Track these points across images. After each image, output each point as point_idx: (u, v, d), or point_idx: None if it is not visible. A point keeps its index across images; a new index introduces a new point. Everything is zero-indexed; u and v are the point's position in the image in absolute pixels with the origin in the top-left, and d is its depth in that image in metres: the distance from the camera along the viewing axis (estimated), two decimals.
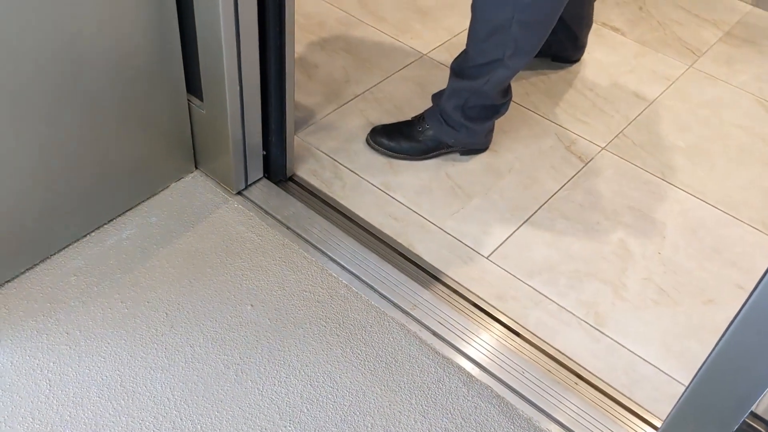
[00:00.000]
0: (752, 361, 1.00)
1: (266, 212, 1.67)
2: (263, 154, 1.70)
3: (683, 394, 1.12)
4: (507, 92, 1.78)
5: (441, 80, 2.09)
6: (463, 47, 1.70)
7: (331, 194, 1.75)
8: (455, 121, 1.77)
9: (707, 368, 1.07)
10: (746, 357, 1.00)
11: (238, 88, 1.49)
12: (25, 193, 1.40)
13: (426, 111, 1.84)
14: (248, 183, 1.71)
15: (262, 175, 1.74)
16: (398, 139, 1.84)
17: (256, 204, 1.68)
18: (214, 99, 1.52)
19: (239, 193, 1.70)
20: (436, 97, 1.81)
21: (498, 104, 1.77)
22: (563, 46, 2.11)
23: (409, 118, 1.88)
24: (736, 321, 0.99)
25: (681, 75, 2.23)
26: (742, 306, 0.97)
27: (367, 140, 1.87)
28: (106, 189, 1.55)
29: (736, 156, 1.98)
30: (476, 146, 1.87)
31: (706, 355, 1.52)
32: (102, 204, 1.57)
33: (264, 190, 1.72)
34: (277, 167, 1.73)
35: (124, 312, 1.45)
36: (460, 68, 1.71)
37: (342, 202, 1.74)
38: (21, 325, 1.41)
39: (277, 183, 1.75)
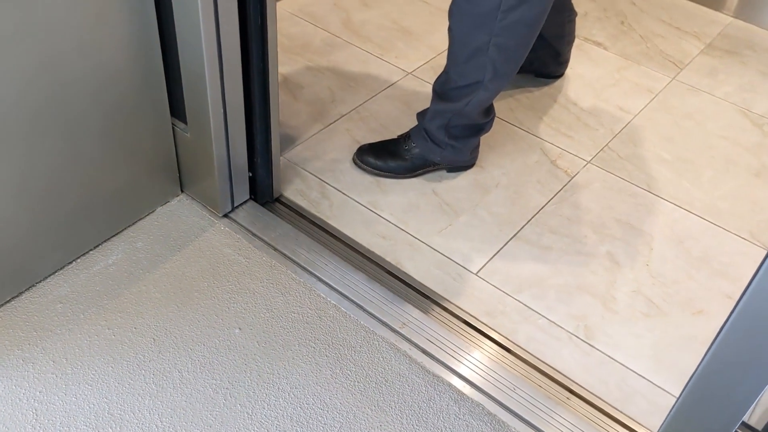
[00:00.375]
0: (742, 371, 1.00)
1: (253, 234, 1.66)
2: (249, 176, 1.69)
3: (674, 406, 1.12)
4: (489, 111, 1.79)
5: (426, 98, 2.10)
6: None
7: (318, 214, 1.75)
8: (440, 140, 1.78)
9: (697, 380, 1.07)
10: (736, 367, 1.00)
11: (222, 110, 1.49)
12: (8, 220, 1.39)
13: (411, 129, 1.84)
14: (234, 205, 1.71)
15: (248, 197, 1.73)
16: (385, 157, 1.84)
17: (242, 226, 1.68)
18: (199, 122, 1.52)
19: (226, 215, 1.69)
20: (421, 115, 1.82)
21: (481, 123, 1.79)
22: (545, 62, 2.13)
23: (395, 137, 1.89)
24: (723, 331, 0.99)
25: (664, 87, 2.24)
26: (729, 315, 0.97)
27: (353, 159, 1.88)
28: (90, 214, 1.54)
29: (721, 166, 1.99)
30: (462, 163, 1.87)
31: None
32: (87, 230, 1.56)
33: (251, 212, 1.71)
34: (263, 189, 1.72)
35: (111, 339, 1.44)
36: (441, 90, 1.72)
37: (329, 221, 1.74)
38: (6, 355, 1.39)
39: (263, 204, 1.74)
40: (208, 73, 1.42)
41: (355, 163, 1.87)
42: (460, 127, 1.77)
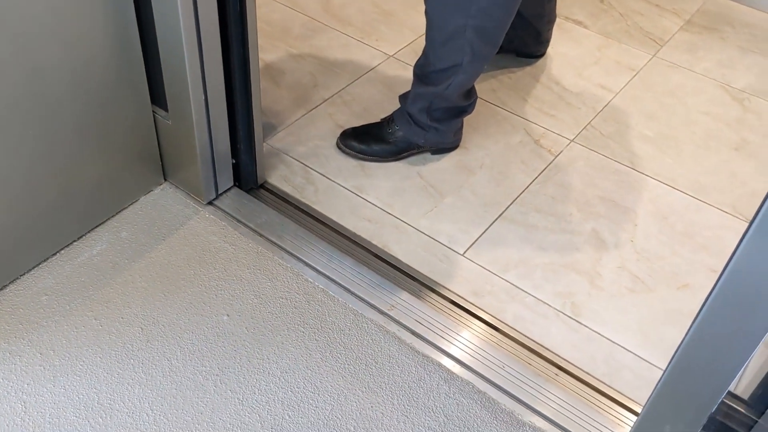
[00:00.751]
0: (727, 341, 1.01)
1: (239, 221, 1.66)
2: (233, 163, 1.69)
3: (661, 378, 1.13)
4: (471, 94, 1.79)
5: (408, 81, 2.09)
6: None
7: (303, 200, 1.75)
8: (423, 122, 1.78)
9: (683, 351, 1.08)
10: (720, 338, 1.01)
11: (203, 96, 1.48)
12: None
13: (394, 112, 1.84)
14: (218, 192, 1.70)
15: (232, 183, 1.73)
16: (368, 141, 1.84)
17: (227, 213, 1.67)
18: (179, 109, 1.51)
19: (210, 203, 1.69)
20: (403, 98, 1.82)
21: (463, 105, 1.78)
22: (525, 42, 2.13)
23: (378, 120, 1.88)
24: (707, 303, 1.00)
25: (645, 65, 2.25)
26: (713, 287, 0.98)
27: (337, 144, 1.87)
28: (73, 205, 1.53)
29: (703, 142, 2.01)
30: (446, 145, 1.87)
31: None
32: (70, 221, 1.55)
33: (235, 199, 1.71)
34: (247, 175, 1.72)
35: (98, 329, 1.43)
36: (421, 73, 1.71)
37: (315, 207, 1.73)
38: None
39: (248, 191, 1.73)
40: (187, 60, 1.40)
41: (339, 148, 1.86)
42: (441, 109, 1.77)
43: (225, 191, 1.71)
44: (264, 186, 1.76)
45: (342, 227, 1.69)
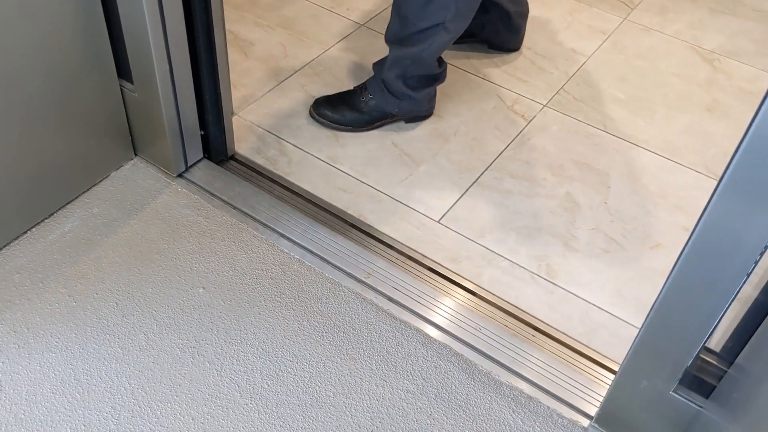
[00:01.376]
0: (699, 297, 1.02)
1: (212, 194, 1.64)
2: (201, 134, 1.67)
3: (637, 335, 1.14)
4: (442, 61, 1.78)
5: (380, 49, 2.08)
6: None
7: (277, 171, 1.73)
8: (397, 90, 1.77)
9: (658, 308, 1.09)
10: (694, 293, 1.02)
11: (168, 66, 1.45)
12: None
13: (367, 81, 1.83)
14: (188, 165, 1.68)
15: (202, 156, 1.71)
16: (342, 110, 1.83)
17: (199, 186, 1.65)
18: (145, 80, 1.49)
19: (180, 175, 1.67)
20: (378, 65, 1.80)
21: (436, 73, 1.78)
22: (496, 29, 2.05)
23: (351, 89, 1.86)
24: (680, 260, 1.01)
25: (616, 28, 2.25)
26: (685, 245, 0.99)
27: (310, 113, 1.85)
28: (42, 182, 1.51)
29: (675, 103, 2.02)
30: (420, 113, 1.87)
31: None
32: (40, 198, 1.52)
33: (206, 171, 1.69)
34: (216, 147, 1.70)
35: (72, 305, 1.42)
36: (398, 38, 1.69)
37: (289, 178, 1.72)
38: None
39: (218, 163, 1.72)
40: (150, 31, 1.38)
41: (312, 117, 1.85)
42: (416, 77, 1.76)
43: (195, 163, 1.70)
44: (234, 158, 1.75)
45: (317, 198, 1.68)
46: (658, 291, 1.56)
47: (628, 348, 1.45)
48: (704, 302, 1.02)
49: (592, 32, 2.22)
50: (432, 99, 1.86)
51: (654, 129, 1.93)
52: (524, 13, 2.07)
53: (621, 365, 1.21)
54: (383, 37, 1.75)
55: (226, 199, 1.63)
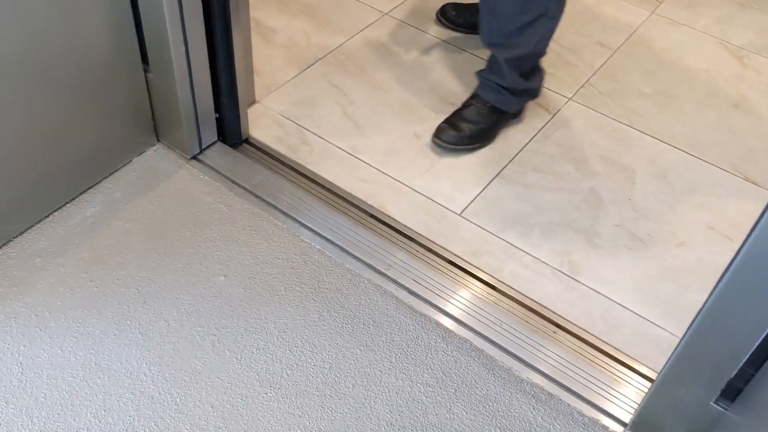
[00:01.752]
0: (748, 306, 0.97)
1: (233, 182, 1.64)
2: (216, 117, 1.66)
3: (679, 343, 1.10)
4: None
5: (403, 39, 2.07)
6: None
7: (298, 160, 1.73)
8: (517, 88, 1.74)
9: (703, 317, 1.04)
10: (742, 303, 0.97)
11: (184, 48, 1.44)
12: None
13: (478, 89, 1.78)
14: (203, 147, 1.68)
15: (216, 138, 1.71)
16: (463, 127, 1.76)
17: (220, 173, 1.65)
18: (161, 62, 1.48)
19: (194, 157, 1.67)
20: (485, 73, 1.75)
21: (544, 52, 1.75)
22: None
23: (462, 105, 1.80)
24: (730, 268, 0.96)
25: (644, 21, 2.22)
26: (735, 255, 0.95)
27: (434, 141, 1.77)
28: (65, 167, 1.51)
29: (702, 99, 1.98)
30: (535, 98, 1.85)
31: (682, 297, 1.54)
32: (63, 183, 1.53)
33: (220, 154, 1.69)
34: (231, 130, 1.70)
35: (93, 291, 1.42)
36: (501, 37, 1.65)
37: (310, 167, 1.71)
38: None
39: (232, 146, 1.72)
40: (167, 13, 1.36)
41: (438, 145, 1.77)
42: (531, 67, 1.74)
43: (209, 146, 1.70)
44: (248, 141, 1.75)
45: (338, 188, 1.68)
46: (681, 290, 1.54)
47: (649, 346, 1.44)
48: (753, 312, 0.98)
49: (618, 25, 2.19)
50: (542, 80, 1.82)
51: (680, 125, 1.90)
52: None
53: (660, 373, 1.18)
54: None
55: (247, 188, 1.63)
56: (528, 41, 1.64)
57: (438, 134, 1.77)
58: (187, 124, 1.59)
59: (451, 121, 1.78)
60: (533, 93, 1.81)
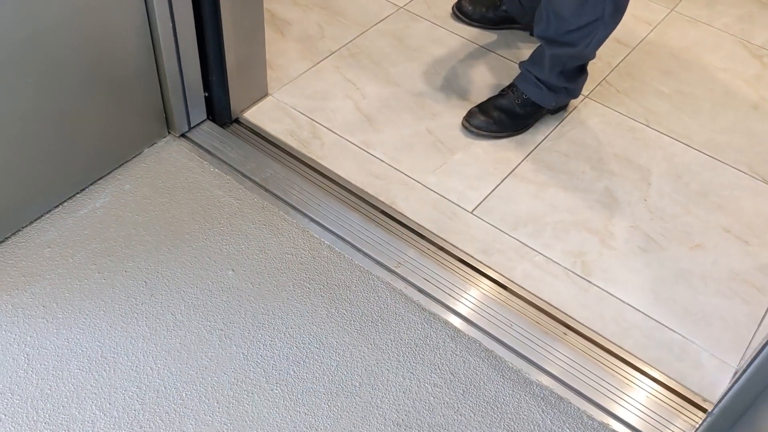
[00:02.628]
0: None
1: (244, 175, 1.62)
2: (205, 96, 1.66)
3: (739, 377, 1.06)
4: None
5: (418, 33, 2.04)
6: None
7: (309, 154, 1.71)
8: (556, 85, 1.73)
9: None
10: None
11: (171, 25, 1.44)
12: None
13: (517, 80, 1.78)
14: (191, 125, 1.68)
15: (205, 117, 1.71)
16: (496, 116, 1.76)
17: (231, 166, 1.63)
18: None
19: (183, 135, 1.67)
20: (530, 64, 1.74)
21: (591, 59, 1.74)
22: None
23: (500, 93, 1.80)
24: None
25: (663, 19, 2.18)
26: None
27: (463, 125, 1.78)
28: (75, 157, 1.50)
29: (720, 99, 1.95)
30: (574, 98, 1.83)
31: (696, 300, 1.51)
32: (72, 173, 1.52)
33: (208, 133, 1.69)
34: (221, 109, 1.70)
35: (101, 282, 1.41)
36: (556, 35, 1.64)
37: (321, 162, 1.70)
38: None
39: (222, 126, 1.72)
40: None
41: (467, 129, 1.78)
42: (575, 68, 1.72)
43: (198, 124, 1.69)
44: (238, 121, 1.75)
45: (349, 183, 1.66)
46: (696, 293, 1.51)
47: (661, 350, 1.41)
48: None
49: (637, 22, 2.16)
50: (584, 82, 1.81)
51: (697, 125, 1.87)
52: None
53: (715, 407, 1.14)
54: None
55: (258, 181, 1.61)
56: (580, 42, 1.63)
57: (468, 118, 1.78)
58: (175, 100, 1.58)
59: (483, 107, 1.78)
60: (573, 93, 1.79)
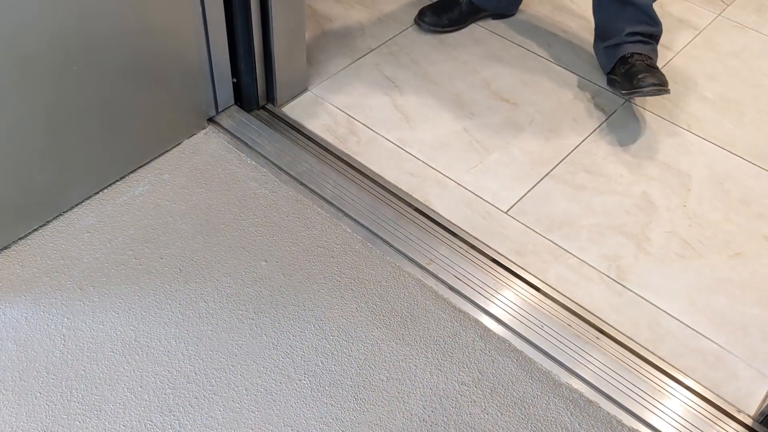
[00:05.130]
0: None
1: (280, 168, 1.64)
2: (234, 82, 1.69)
3: None
4: None
5: (458, 32, 2.04)
6: None
7: (345, 150, 1.72)
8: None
9: None
10: None
11: (200, 8, 1.46)
12: (34, 150, 1.38)
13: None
14: (219, 110, 1.71)
15: (233, 102, 1.74)
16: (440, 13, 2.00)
17: (267, 159, 1.65)
18: None
19: (210, 119, 1.70)
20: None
21: None
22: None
23: None
24: None
25: (709, 24, 2.14)
26: None
27: (415, 21, 2.04)
28: (117, 145, 1.53)
29: (765, 107, 1.90)
30: (509, 11, 2.01)
31: (733, 309, 1.48)
32: (113, 161, 1.55)
33: (234, 117, 1.72)
34: (248, 95, 1.72)
35: (137, 268, 1.44)
36: None
37: (357, 158, 1.70)
38: (35, 282, 1.40)
39: (249, 111, 1.75)
40: None
41: (418, 25, 2.03)
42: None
43: (225, 109, 1.73)
44: (265, 107, 1.77)
45: (383, 179, 1.66)
46: (734, 302, 1.48)
47: (696, 358, 1.38)
48: None
49: (682, 26, 2.12)
50: None
51: (741, 132, 1.83)
52: None
53: (754, 420, 1.11)
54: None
55: (293, 175, 1.63)
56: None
57: (420, 16, 2.04)
58: (203, 85, 1.60)
59: (435, 7, 2.03)
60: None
